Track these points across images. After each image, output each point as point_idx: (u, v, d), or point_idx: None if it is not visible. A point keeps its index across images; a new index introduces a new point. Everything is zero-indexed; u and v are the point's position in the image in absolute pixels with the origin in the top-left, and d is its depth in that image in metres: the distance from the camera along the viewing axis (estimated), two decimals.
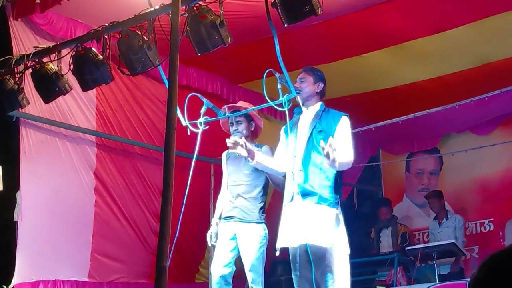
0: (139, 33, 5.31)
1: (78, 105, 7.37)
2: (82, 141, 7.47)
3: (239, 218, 5.68)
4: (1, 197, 6.54)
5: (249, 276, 5.54)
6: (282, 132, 5.17)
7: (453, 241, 8.15)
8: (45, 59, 5.83)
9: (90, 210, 7.46)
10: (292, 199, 4.88)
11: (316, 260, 4.69)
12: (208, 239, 5.76)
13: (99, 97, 7.58)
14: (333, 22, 6.84)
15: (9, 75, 5.90)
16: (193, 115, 5.37)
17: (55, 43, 6.04)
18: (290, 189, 4.90)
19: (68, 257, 7.20)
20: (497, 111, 9.20)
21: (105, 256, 7.55)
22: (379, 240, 9.48)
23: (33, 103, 6.50)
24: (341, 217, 4.82)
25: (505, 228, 9.09)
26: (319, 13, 4.58)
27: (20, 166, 6.80)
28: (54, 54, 5.79)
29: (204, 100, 5.49)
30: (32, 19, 6.81)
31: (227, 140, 5.04)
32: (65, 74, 5.76)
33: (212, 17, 4.94)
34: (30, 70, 5.88)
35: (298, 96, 5.01)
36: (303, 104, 5.09)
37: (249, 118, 5.87)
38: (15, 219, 6.79)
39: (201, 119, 5.32)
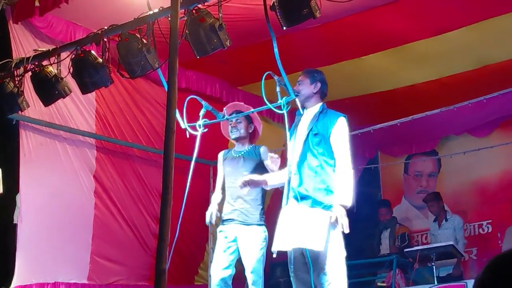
0: (139, 36, 5.32)
1: (77, 108, 7.39)
2: (82, 144, 7.48)
3: (240, 221, 5.68)
4: (1, 200, 6.54)
5: (250, 278, 5.55)
6: (288, 135, 5.16)
7: (451, 243, 8.16)
8: (44, 62, 5.84)
9: (90, 213, 7.47)
10: (287, 202, 4.90)
11: (312, 262, 4.70)
12: (207, 217, 5.68)
13: (98, 100, 7.59)
14: (331, 24, 6.85)
15: (9, 78, 5.91)
16: (192, 118, 5.39)
17: (54, 46, 6.06)
18: (286, 192, 4.92)
19: (68, 259, 7.20)
20: (496, 113, 9.21)
21: (105, 259, 7.56)
22: (380, 242, 9.49)
23: (33, 106, 6.51)
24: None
25: (505, 234, 9.11)
26: (318, 16, 4.59)
27: (19, 169, 6.80)
28: (54, 57, 5.80)
29: (203, 102, 5.50)
30: (32, 22, 6.82)
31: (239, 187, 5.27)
32: (65, 77, 5.77)
33: (211, 20, 4.95)
34: (29, 73, 5.89)
35: (297, 99, 5.02)
36: (302, 106, 5.10)
37: (249, 119, 5.89)
38: (14, 222, 6.80)
39: (200, 122, 5.33)
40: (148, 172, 8.09)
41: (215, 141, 6.57)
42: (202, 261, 8.80)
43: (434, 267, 7.98)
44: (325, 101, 5.18)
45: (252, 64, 7.52)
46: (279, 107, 4.91)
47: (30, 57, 5.85)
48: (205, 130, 5.38)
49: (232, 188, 5.79)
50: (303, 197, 4.80)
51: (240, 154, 5.85)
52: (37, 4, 6.35)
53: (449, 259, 8.53)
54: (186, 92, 7.10)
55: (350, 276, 4.86)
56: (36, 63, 5.84)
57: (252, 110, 5.82)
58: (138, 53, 5.29)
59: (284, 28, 4.70)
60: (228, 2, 4.96)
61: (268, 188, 5.39)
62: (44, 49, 5.98)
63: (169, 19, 4.39)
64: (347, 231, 4.63)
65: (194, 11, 4.99)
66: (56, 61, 5.79)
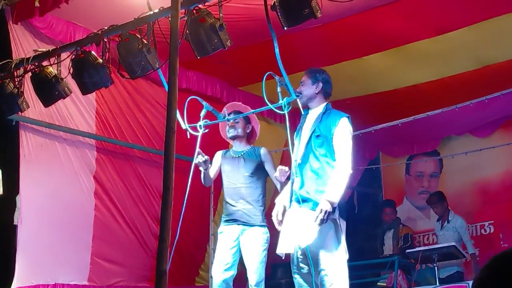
0: (139, 36, 5.30)
1: (77, 109, 7.37)
2: (82, 145, 7.47)
3: (242, 222, 5.67)
4: (1, 201, 6.53)
5: (252, 278, 5.53)
6: (289, 135, 5.13)
7: (453, 243, 8.13)
8: (44, 63, 5.83)
9: (90, 214, 7.46)
10: (290, 205, 4.89)
11: (314, 263, 4.70)
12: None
13: (98, 100, 7.58)
14: (332, 24, 6.84)
15: (9, 79, 5.90)
16: (193, 118, 5.37)
17: (54, 47, 6.04)
18: (290, 195, 4.92)
19: (68, 260, 7.19)
20: (497, 113, 9.20)
21: (105, 260, 7.55)
22: (383, 242, 9.47)
23: (33, 106, 6.50)
24: (340, 222, 4.79)
25: None
26: (319, 16, 4.57)
27: (19, 170, 6.79)
28: (54, 58, 5.79)
29: (204, 103, 5.50)
30: (32, 23, 6.80)
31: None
32: (65, 77, 5.75)
33: (211, 20, 4.94)
34: (29, 73, 5.88)
35: (299, 99, 5.01)
36: (305, 107, 5.08)
37: (247, 119, 5.89)
38: (14, 223, 6.78)
39: (201, 122, 5.34)
40: (148, 172, 8.08)
41: (216, 142, 6.54)
42: (203, 262, 8.79)
43: (436, 268, 7.95)
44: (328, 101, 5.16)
45: (253, 64, 7.51)
46: (280, 108, 4.90)
47: (30, 57, 5.84)
48: (206, 130, 5.38)
49: (233, 189, 5.78)
50: (304, 200, 4.79)
51: (240, 155, 5.84)
52: (37, 4, 6.33)
53: (451, 260, 8.52)
54: (187, 93, 7.09)
55: (351, 277, 4.86)
56: (36, 64, 5.82)
57: (253, 110, 5.81)
58: (139, 54, 5.28)
59: (285, 28, 4.67)
60: (229, 2, 4.94)
61: None
62: (44, 50, 5.96)
63: (170, 19, 4.37)
64: (318, 225, 4.58)
65: (194, 11, 4.97)
66: (56, 61, 5.78)
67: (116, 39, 5.56)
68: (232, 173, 5.80)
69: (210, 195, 8.66)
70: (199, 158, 5.50)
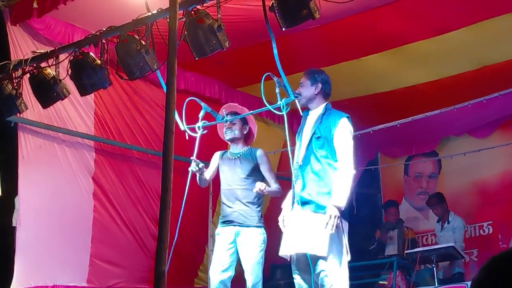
0: (137, 37, 5.30)
1: (76, 110, 7.36)
2: (81, 146, 7.46)
3: (239, 223, 5.67)
4: (0, 202, 6.53)
5: (249, 279, 5.54)
6: (287, 136, 5.12)
7: (452, 244, 8.14)
8: (43, 64, 5.82)
9: (89, 215, 7.45)
10: (292, 207, 4.90)
11: (314, 265, 4.71)
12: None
13: (97, 101, 7.57)
14: (331, 25, 6.83)
15: (7, 80, 5.90)
16: (191, 120, 5.37)
17: (53, 48, 6.03)
18: (292, 197, 4.93)
19: (67, 262, 7.18)
20: (496, 113, 9.20)
21: (104, 261, 7.54)
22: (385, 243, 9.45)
23: (31, 108, 6.49)
24: (343, 223, 4.79)
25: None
26: (317, 16, 4.57)
27: (18, 171, 6.78)
28: (52, 59, 5.78)
29: (202, 104, 5.50)
30: (30, 24, 6.80)
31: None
32: (63, 79, 5.75)
33: (210, 21, 4.93)
34: (28, 75, 5.87)
35: (298, 101, 5.01)
36: (304, 108, 5.09)
37: (244, 121, 5.88)
38: (13, 224, 6.77)
39: (199, 124, 5.34)
40: (147, 174, 8.08)
41: (215, 143, 6.54)
42: (201, 263, 8.79)
43: (435, 268, 7.95)
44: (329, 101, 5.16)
45: (251, 65, 7.51)
46: (278, 109, 4.90)
47: (28, 59, 5.83)
48: (204, 131, 5.38)
49: (230, 190, 5.78)
50: (306, 202, 4.80)
51: (236, 156, 5.84)
52: (35, 5, 6.33)
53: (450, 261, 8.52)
54: (185, 94, 7.10)
55: (350, 278, 4.85)
56: (35, 65, 5.82)
57: (252, 111, 5.81)
58: (137, 55, 5.28)
59: (283, 29, 4.67)
60: (227, 3, 4.94)
61: None
62: (43, 51, 5.96)
63: (168, 20, 4.37)
64: (332, 231, 4.60)
65: (192, 12, 4.97)
66: (54, 63, 5.78)
67: (114, 40, 5.56)
68: (228, 175, 5.81)
69: (208, 196, 8.66)
70: (192, 166, 5.51)
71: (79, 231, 7.34)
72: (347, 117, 4.95)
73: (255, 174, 5.75)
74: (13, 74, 5.92)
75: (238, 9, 6.16)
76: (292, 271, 4.93)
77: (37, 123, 6.96)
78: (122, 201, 7.78)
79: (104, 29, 5.50)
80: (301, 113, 5.12)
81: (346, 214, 4.85)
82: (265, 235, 5.67)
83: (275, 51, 4.55)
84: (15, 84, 5.90)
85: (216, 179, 6.07)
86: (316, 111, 5.04)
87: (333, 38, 7.33)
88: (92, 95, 6.94)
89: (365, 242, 9.72)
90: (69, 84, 5.85)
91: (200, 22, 4.94)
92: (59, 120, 7.21)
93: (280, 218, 5.05)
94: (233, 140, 5.89)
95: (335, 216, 4.60)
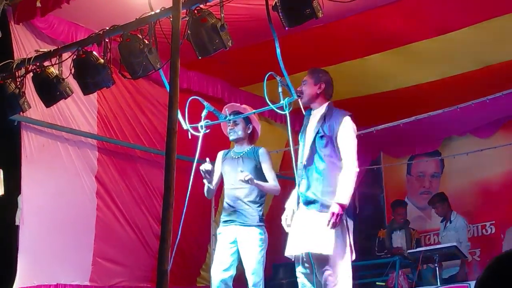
0: (140, 36, 5.30)
1: (79, 109, 7.38)
2: (84, 145, 7.47)
3: (240, 222, 5.66)
4: (3, 201, 6.53)
5: (250, 279, 5.53)
6: (290, 136, 5.11)
7: (454, 244, 8.13)
8: (46, 63, 5.83)
9: (92, 214, 7.46)
10: (298, 207, 4.90)
11: (318, 264, 4.72)
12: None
13: (100, 100, 7.58)
14: (334, 24, 6.83)
15: (10, 79, 5.90)
16: (194, 119, 5.38)
17: (56, 47, 6.04)
18: (297, 197, 4.93)
19: (70, 261, 7.19)
20: (499, 113, 9.20)
21: (107, 260, 7.55)
22: (391, 241, 9.43)
23: (34, 107, 6.50)
24: (347, 222, 4.79)
25: (506, 234, 9.10)
26: (320, 16, 4.57)
27: (21, 170, 6.79)
28: (55, 58, 5.79)
29: (205, 103, 5.50)
30: (33, 23, 6.81)
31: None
32: (66, 78, 5.75)
33: (213, 21, 4.93)
34: (31, 74, 5.87)
35: (300, 99, 5.01)
36: (307, 107, 5.09)
37: (247, 120, 5.87)
38: (16, 223, 6.78)
39: (202, 123, 5.34)
40: (150, 173, 8.09)
41: (217, 142, 6.55)
42: (204, 263, 8.79)
43: (437, 268, 7.95)
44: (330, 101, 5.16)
45: (254, 65, 7.51)
46: (281, 108, 4.91)
47: (31, 58, 5.83)
48: (207, 131, 5.38)
49: (232, 190, 5.78)
50: (311, 202, 4.81)
51: (239, 155, 5.83)
52: (38, 4, 6.33)
53: (452, 261, 8.52)
54: (188, 93, 7.09)
55: (353, 277, 4.86)
56: (38, 64, 5.82)
57: (254, 111, 5.81)
58: (140, 54, 5.28)
59: (286, 28, 4.67)
60: (230, 2, 4.94)
61: None
62: (46, 50, 5.96)
63: (171, 19, 4.37)
64: (331, 228, 4.61)
65: (196, 12, 4.97)
66: (57, 62, 5.78)
67: (117, 39, 5.55)
68: (231, 174, 5.80)
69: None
70: (205, 165, 5.53)
71: (82, 230, 7.35)
72: (350, 116, 4.96)
73: (258, 173, 5.74)
74: (16, 73, 5.93)
75: (241, 8, 6.16)
76: (296, 270, 4.93)
77: (40, 122, 6.97)
78: (125, 200, 7.79)
79: (107, 28, 5.50)
80: (304, 113, 5.12)
81: (351, 213, 4.86)
82: (266, 234, 5.66)
83: (278, 50, 4.55)
84: (18, 83, 5.90)
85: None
86: (319, 110, 5.04)
87: (336, 37, 7.33)
88: (95, 94, 6.96)
89: (367, 242, 9.73)
90: (72, 83, 5.85)
91: (203, 21, 4.94)
92: (62, 119, 7.21)
93: (283, 218, 5.05)
94: (237, 141, 5.89)
95: (337, 214, 4.60)
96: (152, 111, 8.13)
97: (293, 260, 4.95)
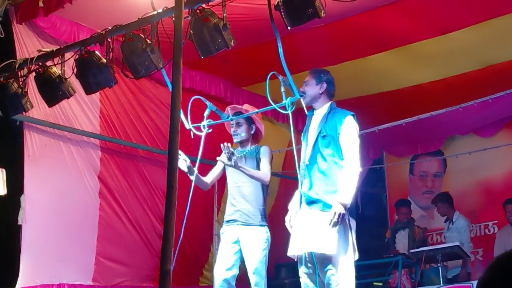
0: (143, 36, 5.31)
1: (82, 109, 7.38)
2: (86, 145, 7.47)
3: (242, 221, 5.66)
4: (5, 201, 6.54)
5: (252, 279, 5.53)
6: (292, 135, 5.10)
7: (457, 243, 8.12)
8: (48, 63, 5.83)
9: (95, 214, 7.46)
10: (300, 206, 4.90)
11: (320, 263, 4.72)
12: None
13: (102, 100, 7.58)
14: (336, 24, 6.83)
15: (13, 79, 5.91)
16: (197, 118, 5.38)
17: (58, 47, 6.04)
18: (299, 196, 4.93)
19: (73, 260, 7.19)
20: (501, 113, 9.19)
21: (110, 260, 7.55)
22: (394, 241, 9.43)
23: (37, 106, 6.50)
24: (350, 221, 4.79)
25: (496, 238, 9.08)
26: (322, 15, 4.57)
27: (24, 170, 6.79)
28: (58, 58, 5.79)
29: (208, 103, 5.50)
30: (36, 23, 6.81)
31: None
32: (69, 77, 5.76)
33: (215, 20, 4.93)
34: (33, 73, 5.88)
35: (302, 99, 5.01)
36: (309, 107, 5.09)
37: (250, 121, 5.87)
38: (19, 223, 6.78)
39: (205, 122, 5.34)
40: (152, 172, 8.08)
41: (220, 142, 6.54)
42: (206, 262, 8.79)
43: (440, 267, 7.94)
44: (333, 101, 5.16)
45: (256, 64, 7.51)
46: (283, 108, 4.90)
47: (34, 57, 5.84)
48: (210, 130, 5.38)
49: (235, 188, 5.78)
50: (314, 201, 4.81)
51: (242, 154, 5.84)
52: (41, 4, 6.34)
53: (456, 260, 8.51)
54: (190, 92, 7.10)
55: (355, 276, 4.85)
56: (40, 64, 5.83)
57: (257, 110, 5.81)
58: (142, 53, 5.28)
59: (289, 28, 4.67)
60: (233, 2, 4.95)
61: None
62: (48, 50, 5.97)
63: (173, 19, 4.38)
64: (333, 227, 4.61)
65: (198, 11, 4.97)
66: (60, 61, 5.78)
67: (120, 39, 5.56)
68: (234, 173, 5.80)
69: (214, 195, 8.66)
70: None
71: (85, 229, 7.35)
72: (353, 115, 4.96)
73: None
74: (19, 72, 5.93)
75: (244, 8, 6.16)
76: (299, 270, 4.93)
77: (43, 121, 6.97)
78: (128, 200, 7.79)
79: (110, 28, 5.50)
80: (306, 112, 5.12)
81: (354, 212, 4.86)
82: (269, 234, 5.66)
83: (280, 50, 4.55)
84: (20, 82, 5.91)
85: (222, 177, 6.06)
86: (321, 110, 5.05)
87: (338, 37, 7.33)
88: (98, 93, 6.95)
89: (370, 241, 9.70)
90: (75, 83, 5.85)
91: (205, 21, 4.94)
92: (65, 119, 7.22)
93: (286, 218, 5.06)
94: (241, 143, 5.89)
95: (339, 213, 4.60)
96: (154, 110, 8.13)
97: (295, 260, 4.95)
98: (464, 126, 9.77)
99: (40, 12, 6.42)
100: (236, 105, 6.27)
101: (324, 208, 4.75)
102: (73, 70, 5.65)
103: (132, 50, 5.36)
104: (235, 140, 5.90)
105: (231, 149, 5.45)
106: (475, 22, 7.12)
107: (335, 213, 4.61)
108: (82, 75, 5.65)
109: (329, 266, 4.69)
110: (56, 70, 5.77)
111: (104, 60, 5.54)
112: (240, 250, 5.64)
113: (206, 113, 5.43)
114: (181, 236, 4.80)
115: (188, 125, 5.30)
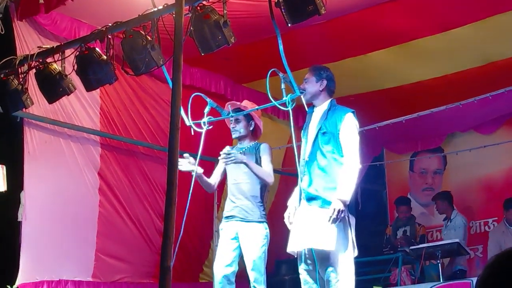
0: (143, 33, 5.31)
1: (82, 105, 7.38)
2: (86, 141, 7.47)
3: (240, 218, 5.67)
4: (5, 197, 6.55)
5: (251, 275, 5.54)
6: (293, 132, 5.10)
7: (457, 240, 8.13)
8: (49, 59, 5.83)
9: (95, 210, 7.46)
10: (300, 203, 4.91)
11: (320, 260, 4.73)
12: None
13: (103, 97, 7.58)
14: (337, 21, 6.83)
15: (13, 76, 5.91)
16: (197, 115, 5.38)
17: (59, 43, 6.04)
18: (299, 193, 4.93)
19: (72, 257, 7.20)
20: (501, 110, 9.19)
21: (110, 256, 7.55)
22: (396, 238, 9.42)
23: (37, 103, 6.50)
24: (350, 218, 4.80)
25: (489, 238, 9.08)
26: (323, 12, 4.57)
27: (24, 166, 6.79)
28: (58, 54, 5.79)
29: (208, 100, 5.50)
30: (36, 20, 6.81)
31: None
32: (69, 74, 5.76)
33: (215, 17, 4.94)
34: (34, 70, 5.88)
35: (303, 96, 5.02)
36: (309, 104, 5.10)
37: (248, 117, 5.87)
38: (19, 219, 6.79)
39: (205, 119, 5.34)
40: (153, 169, 8.09)
41: (220, 138, 6.55)
42: (206, 259, 8.80)
43: (439, 264, 7.95)
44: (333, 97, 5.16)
45: (257, 61, 7.51)
46: (284, 104, 4.91)
47: (34, 54, 5.83)
48: (210, 127, 5.38)
49: (234, 185, 5.79)
50: (313, 198, 4.82)
51: (241, 151, 5.84)
52: (41, 1, 6.33)
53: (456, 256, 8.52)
54: (191, 89, 7.11)
55: (355, 273, 4.86)
56: (40, 60, 5.82)
57: (257, 107, 5.82)
58: (143, 50, 5.28)
59: (289, 24, 4.67)
60: None
61: None
62: (49, 46, 5.97)
63: (174, 16, 4.38)
64: (332, 224, 4.61)
65: (198, 8, 4.97)
66: (60, 58, 5.78)
67: (120, 36, 5.56)
68: (233, 170, 5.81)
69: (214, 192, 8.66)
70: (183, 162, 5.40)
71: (85, 226, 7.36)
72: (353, 112, 4.97)
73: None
74: (19, 69, 5.93)
75: (244, 4, 6.16)
76: (298, 267, 4.94)
77: (43, 118, 6.97)
78: (128, 196, 7.79)
79: (110, 24, 5.50)
80: (306, 109, 5.13)
81: (353, 209, 4.87)
82: (268, 230, 5.66)
83: (281, 47, 4.55)
84: (21, 79, 5.91)
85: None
86: (321, 107, 5.06)
87: (338, 34, 7.32)
88: (98, 90, 6.95)
89: (369, 238, 9.71)
90: (75, 79, 5.85)
91: (206, 18, 4.94)
92: (65, 115, 7.22)
93: (285, 215, 5.07)
94: (239, 139, 5.90)
95: (338, 210, 4.60)
96: (154, 107, 8.13)
97: (295, 256, 4.96)
98: (464, 123, 9.77)
99: (41, 9, 6.42)
100: (235, 102, 6.27)
101: (323, 204, 4.75)
102: (73, 66, 5.65)
103: (132, 47, 5.36)
104: (233, 136, 5.91)
105: (226, 151, 5.50)
106: (475, 19, 7.12)
107: (334, 209, 4.61)
108: (83, 71, 5.64)
109: (329, 263, 4.70)
110: (57, 66, 5.77)
111: (105, 57, 5.54)
112: (239, 247, 5.64)
113: (207, 110, 5.44)
114: (181, 232, 4.81)
115: (188, 121, 5.30)
